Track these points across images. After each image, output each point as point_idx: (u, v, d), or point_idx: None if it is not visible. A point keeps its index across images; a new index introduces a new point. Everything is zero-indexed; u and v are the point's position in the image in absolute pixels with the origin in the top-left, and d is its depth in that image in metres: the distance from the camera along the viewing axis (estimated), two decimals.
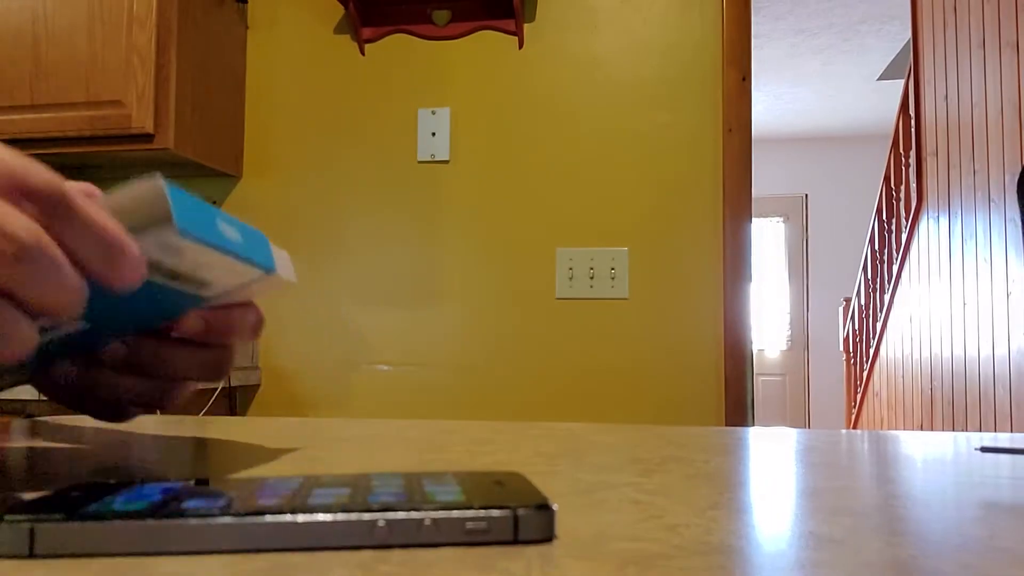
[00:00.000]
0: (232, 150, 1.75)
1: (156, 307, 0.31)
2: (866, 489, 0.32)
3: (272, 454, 0.40)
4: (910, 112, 3.84)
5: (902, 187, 4.02)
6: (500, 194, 1.70)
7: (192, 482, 0.25)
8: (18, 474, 0.34)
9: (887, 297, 4.21)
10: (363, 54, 1.76)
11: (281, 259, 0.34)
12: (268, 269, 0.32)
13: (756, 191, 6.46)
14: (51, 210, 0.24)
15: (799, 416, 6.34)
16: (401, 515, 0.21)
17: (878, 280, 4.49)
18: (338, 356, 1.73)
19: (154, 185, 0.26)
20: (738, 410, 1.57)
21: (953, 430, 3.11)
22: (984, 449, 0.43)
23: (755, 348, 5.48)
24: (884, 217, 4.34)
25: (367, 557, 0.21)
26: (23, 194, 0.24)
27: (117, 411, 0.39)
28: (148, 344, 0.36)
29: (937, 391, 3.39)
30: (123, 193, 0.27)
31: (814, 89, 5.41)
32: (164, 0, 1.53)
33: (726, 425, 1.58)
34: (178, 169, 1.71)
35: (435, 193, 1.72)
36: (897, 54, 4.80)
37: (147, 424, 0.56)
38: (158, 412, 0.40)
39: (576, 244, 1.66)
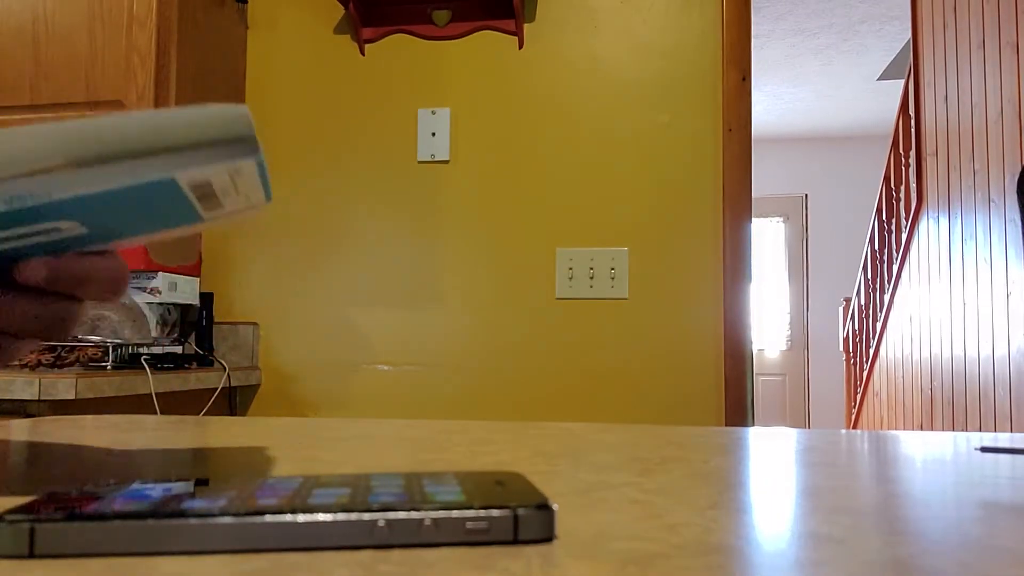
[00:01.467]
0: None
1: (156, 216, 0.30)
2: (866, 489, 0.32)
3: (272, 454, 0.40)
4: (910, 112, 3.84)
5: (902, 187, 4.02)
6: (500, 194, 1.70)
7: (192, 482, 0.25)
8: (18, 474, 0.34)
9: (887, 297, 4.21)
10: (363, 54, 1.76)
11: None
12: (268, 198, 0.32)
13: (756, 191, 6.46)
14: None
15: (799, 416, 6.34)
16: (401, 515, 0.21)
17: (878, 280, 4.48)
18: (338, 356, 1.73)
19: (241, 112, 0.26)
20: (738, 410, 1.57)
21: (953, 430, 3.10)
22: (984, 449, 0.43)
23: (755, 348, 5.48)
24: (884, 217, 4.34)
25: (367, 557, 0.21)
26: None
27: None
28: None
29: (937, 391, 3.39)
30: (204, 111, 0.26)
31: (814, 89, 5.41)
32: (164, 0, 1.53)
33: (726, 425, 1.58)
34: None
35: (435, 193, 1.72)
36: (897, 54, 4.80)
37: (147, 424, 0.56)
38: None
39: (576, 244, 1.66)
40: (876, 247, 4.51)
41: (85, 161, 0.25)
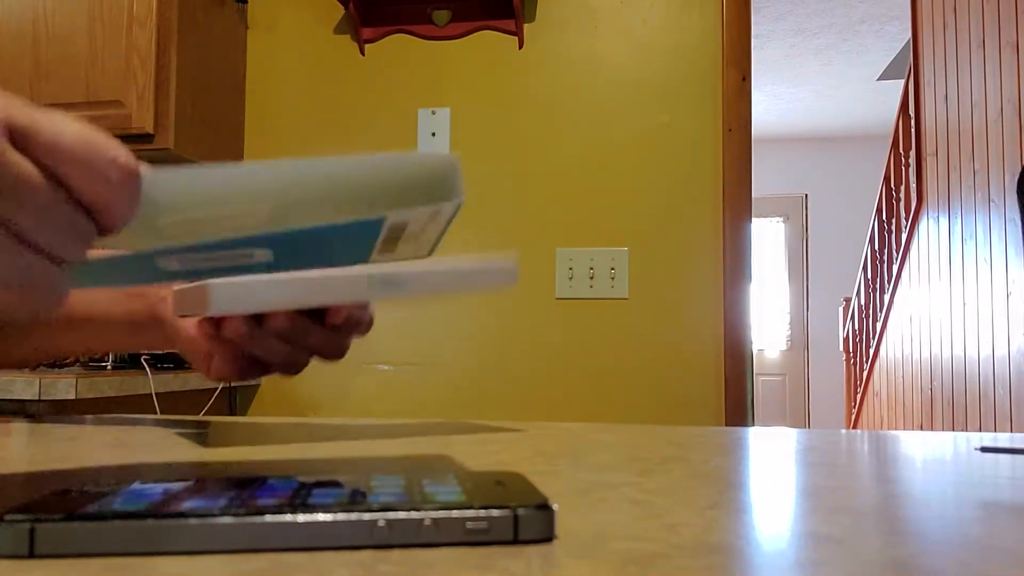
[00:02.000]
0: (232, 150, 1.75)
1: (335, 252, 0.31)
2: (866, 489, 0.32)
3: (272, 454, 0.40)
4: (910, 112, 3.84)
5: (902, 187, 4.02)
6: (500, 194, 1.70)
7: (192, 482, 0.25)
8: (18, 474, 0.34)
9: (887, 297, 4.21)
10: (363, 54, 1.76)
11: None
12: (430, 252, 0.34)
13: (756, 191, 6.45)
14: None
15: (799, 416, 6.34)
16: (401, 515, 0.21)
17: (878, 280, 4.48)
18: None
19: (452, 161, 0.27)
20: (738, 410, 1.57)
21: (953, 430, 3.10)
22: (984, 449, 0.43)
23: (755, 348, 5.47)
24: (884, 217, 4.34)
25: (367, 557, 0.21)
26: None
27: (248, 367, 0.48)
28: (302, 322, 0.45)
29: (937, 391, 3.39)
30: (414, 158, 0.27)
31: (814, 89, 5.40)
32: (164, 0, 1.52)
33: (726, 425, 1.58)
34: None
35: None
36: (897, 54, 4.80)
37: (147, 424, 0.56)
38: (283, 374, 0.49)
39: (576, 244, 1.66)
40: (876, 247, 4.51)
41: (294, 205, 0.26)
